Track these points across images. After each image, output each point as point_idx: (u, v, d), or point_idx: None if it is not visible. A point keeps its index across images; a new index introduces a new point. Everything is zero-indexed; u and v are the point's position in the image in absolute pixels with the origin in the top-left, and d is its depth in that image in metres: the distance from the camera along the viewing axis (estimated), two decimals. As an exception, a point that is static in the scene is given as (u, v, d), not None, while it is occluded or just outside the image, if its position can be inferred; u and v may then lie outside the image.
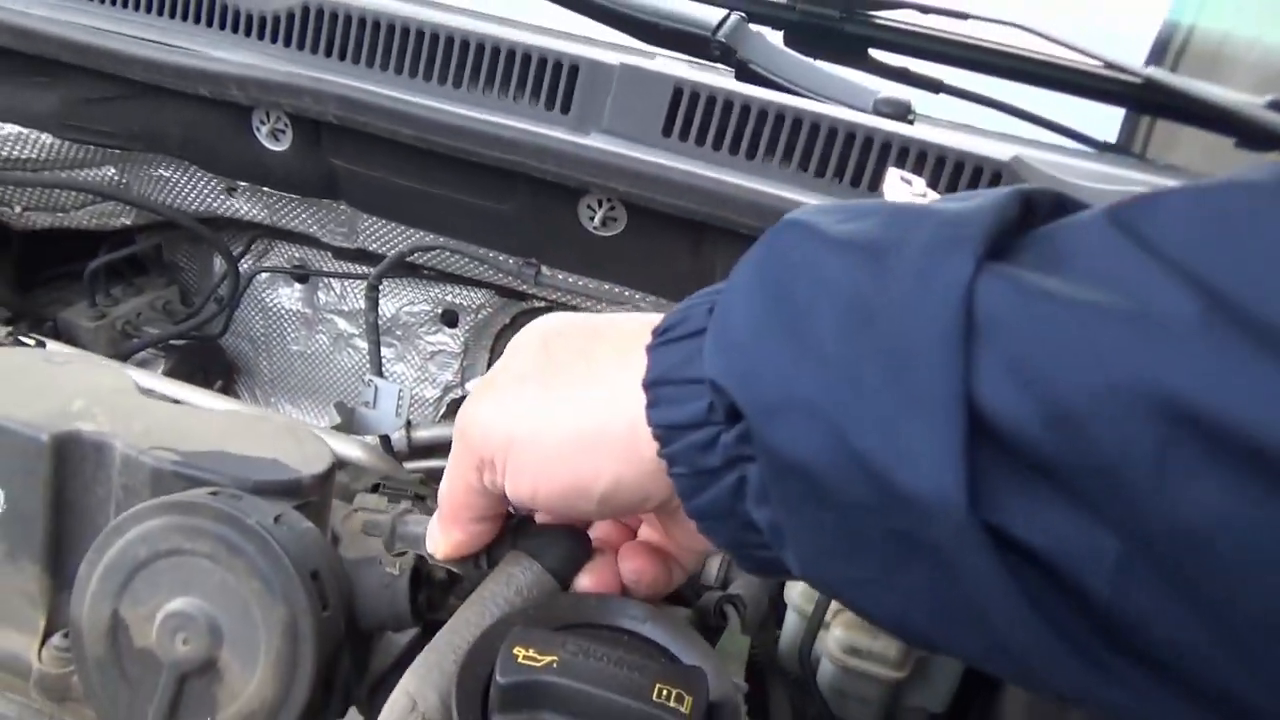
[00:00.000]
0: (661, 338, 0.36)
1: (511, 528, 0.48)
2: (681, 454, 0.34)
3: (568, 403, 0.38)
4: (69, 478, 0.52)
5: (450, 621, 0.44)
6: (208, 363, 1.17)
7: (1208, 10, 1.44)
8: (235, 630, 0.46)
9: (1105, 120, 1.06)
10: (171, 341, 1.12)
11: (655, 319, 0.38)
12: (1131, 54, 1.17)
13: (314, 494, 0.52)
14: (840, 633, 0.68)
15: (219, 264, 1.15)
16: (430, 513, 0.50)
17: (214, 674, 0.47)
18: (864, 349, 0.28)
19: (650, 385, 0.35)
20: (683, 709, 0.39)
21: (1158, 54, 1.37)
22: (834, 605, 0.69)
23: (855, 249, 0.30)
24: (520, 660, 0.40)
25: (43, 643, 0.53)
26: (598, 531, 0.50)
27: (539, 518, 0.49)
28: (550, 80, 0.80)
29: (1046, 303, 0.26)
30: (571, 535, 0.48)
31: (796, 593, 0.71)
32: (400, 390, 0.99)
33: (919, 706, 0.73)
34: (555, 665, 0.40)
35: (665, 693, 0.40)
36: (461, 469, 0.43)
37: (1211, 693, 0.26)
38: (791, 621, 0.72)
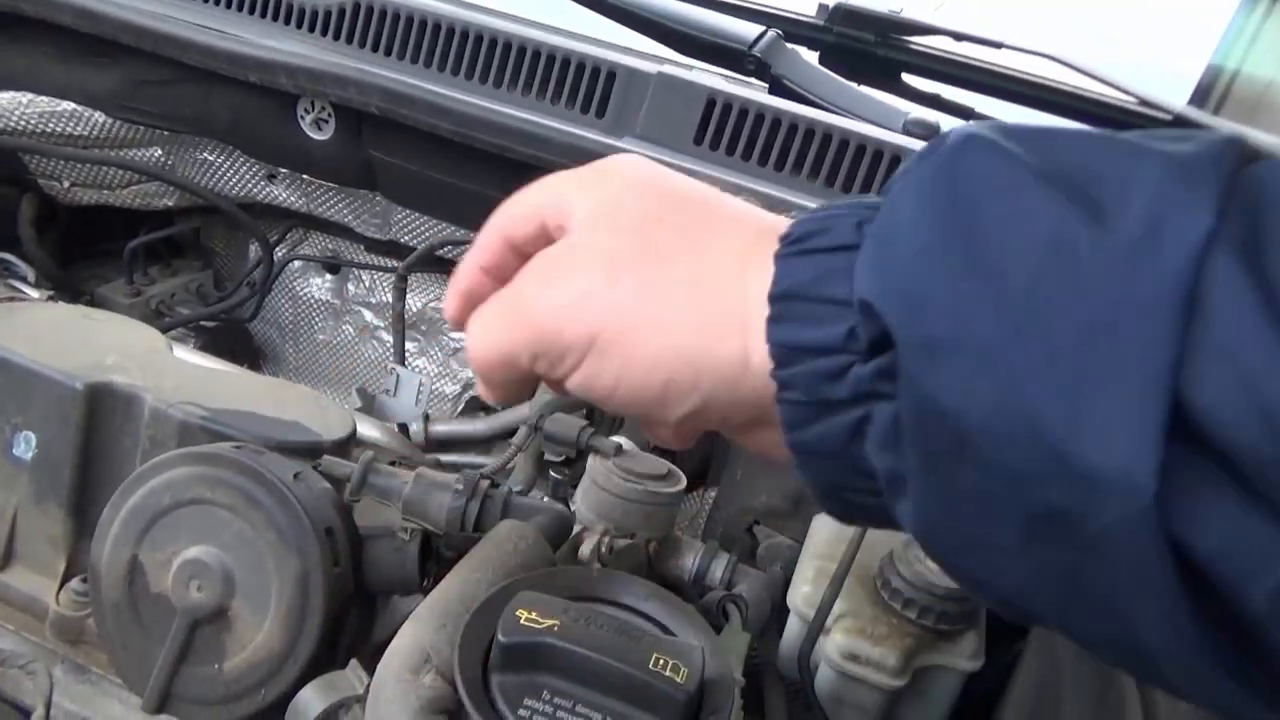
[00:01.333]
0: (794, 246, 0.31)
1: (501, 500, 0.49)
2: (800, 379, 0.30)
3: (672, 305, 0.33)
4: (99, 427, 0.53)
5: (454, 578, 0.45)
6: (236, 346, 1.19)
7: (1253, 57, 1.44)
8: (248, 580, 0.48)
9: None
10: (202, 323, 1.15)
11: (774, 220, 0.34)
12: (1175, 97, 1.18)
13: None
14: (840, 638, 0.68)
15: (254, 250, 1.18)
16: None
17: (224, 622, 0.48)
18: (1063, 298, 0.24)
19: (777, 298, 0.30)
20: (678, 679, 0.40)
21: (1200, 98, 1.38)
22: (835, 610, 0.69)
23: (1061, 181, 0.26)
24: (523, 622, 0.41)
25: (61, 586, 0.54)
26: None
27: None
28: (588, 85, 0.83)
29: (1268, 288, 0.23)
30: (556, 509, 0.49)
31: (800, 597, 0.72)
32: (421, 381, 1.01)
33: (916, 721, 0.73)
34: (556, 629, 0.41)
35: (662, 663, 0.40)
36: (507, 347, 0.36)
37: None
38: (793, 626, 0.73)
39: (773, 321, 0.31)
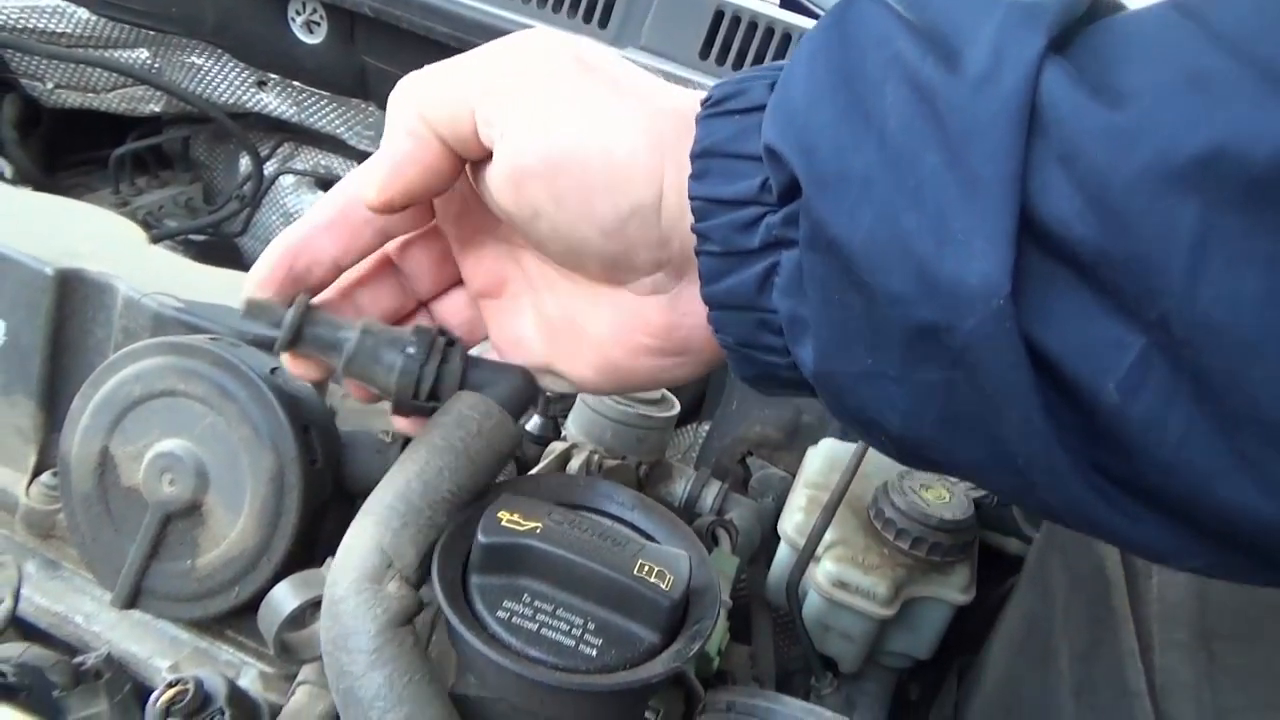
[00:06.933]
0: (714, 108, 0.33)
1: (460, 363, 0.41)
2: (717, 230, 0.32)
3: (627, 97, 0.34)
4: (71, 315, 0.51)
5: (410, 466, 0.40)
6: (224, 262, 1.16)
7: None
8: (222, 475, 0.46)
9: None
10: (190, 237, 1.12)
11: (692, 94, 0.35)
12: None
13: (314, 356, 0.52)
14: (831, 566, 0.67)
15: (244, 165, 1.14)
16: None
17: (198, 517, 0.46)
18: (927, 130, 0.27)
19: (699, 155, 0.33)
20: (664, 586, 0.38)
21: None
22: (827, 539, 0.68)
23: (927, 30, 0.28)
24: (504, 523, 0.39)
25: (32, 479, 0.53)
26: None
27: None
28: (592, -9, 0.79)
29: (1104, 97, 0.25)
30: (520, 371, 0.43)
31: (791, 525, 0.71)
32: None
33: (902, 652, 0.73)
34: (539, 531, 0.39)
35: (647, 569, 0.39)
36: (460, 92, 0.34)
37: (1205, 516, 0.26)
38: (783, 553, 0.72)
39: (694, 178, 0.32)
